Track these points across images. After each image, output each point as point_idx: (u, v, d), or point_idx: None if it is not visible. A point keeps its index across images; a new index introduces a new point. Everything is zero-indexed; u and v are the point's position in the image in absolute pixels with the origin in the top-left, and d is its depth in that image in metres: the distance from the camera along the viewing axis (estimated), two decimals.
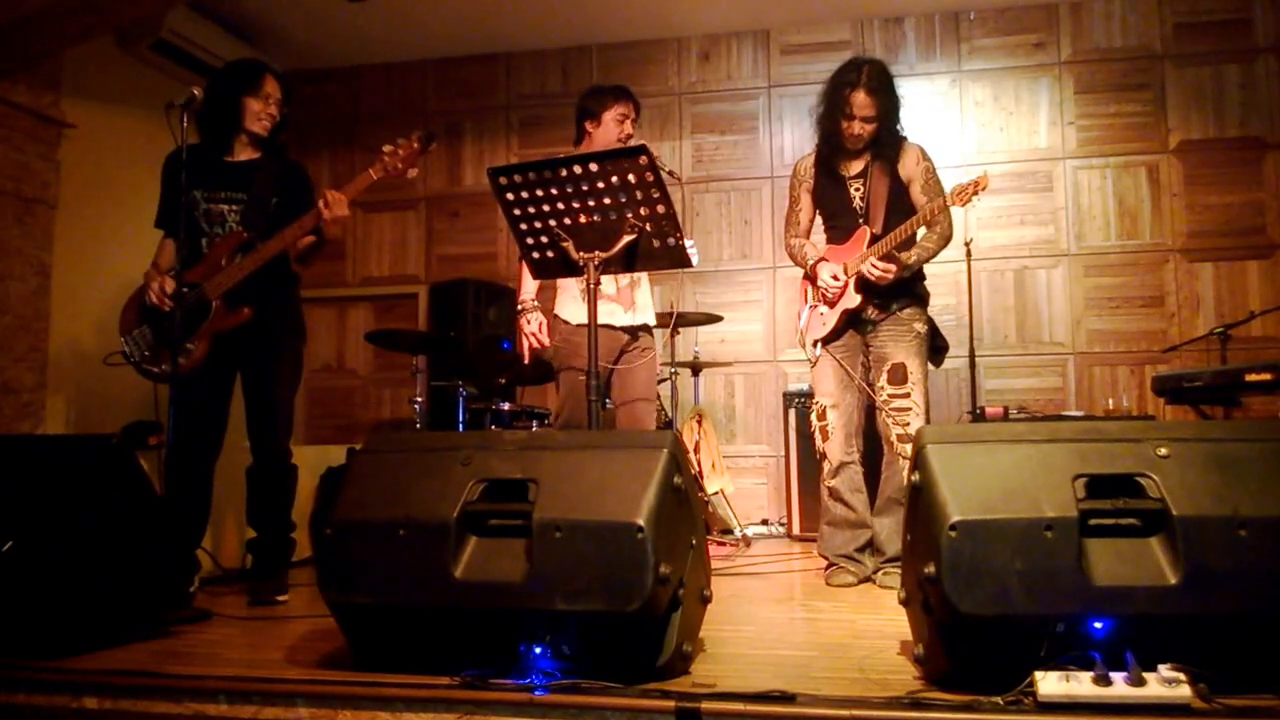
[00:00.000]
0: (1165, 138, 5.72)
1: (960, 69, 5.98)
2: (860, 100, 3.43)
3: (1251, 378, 3.97)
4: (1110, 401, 5.56)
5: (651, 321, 3.75)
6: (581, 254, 2.73)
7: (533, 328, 3.59)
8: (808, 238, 3.78)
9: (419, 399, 4.67)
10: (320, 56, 6.51)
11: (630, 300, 3.66)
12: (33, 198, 4.62)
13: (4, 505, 2.51)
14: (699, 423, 5.08)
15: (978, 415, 5.02)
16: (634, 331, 3.68)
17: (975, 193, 3.22)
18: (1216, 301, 5.57)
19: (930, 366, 3.67)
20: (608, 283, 3.61)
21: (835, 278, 3.57)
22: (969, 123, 5.94)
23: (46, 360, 4.71)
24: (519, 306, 3.65)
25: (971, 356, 5.11)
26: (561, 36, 6.29)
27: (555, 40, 6.34)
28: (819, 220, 3.79)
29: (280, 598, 3.29)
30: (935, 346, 3.67)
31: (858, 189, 3.59)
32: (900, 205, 3.51)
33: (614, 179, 2.65)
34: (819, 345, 3.67)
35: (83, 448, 2.79)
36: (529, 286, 3.61)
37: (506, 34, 6.23)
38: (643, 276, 3.70)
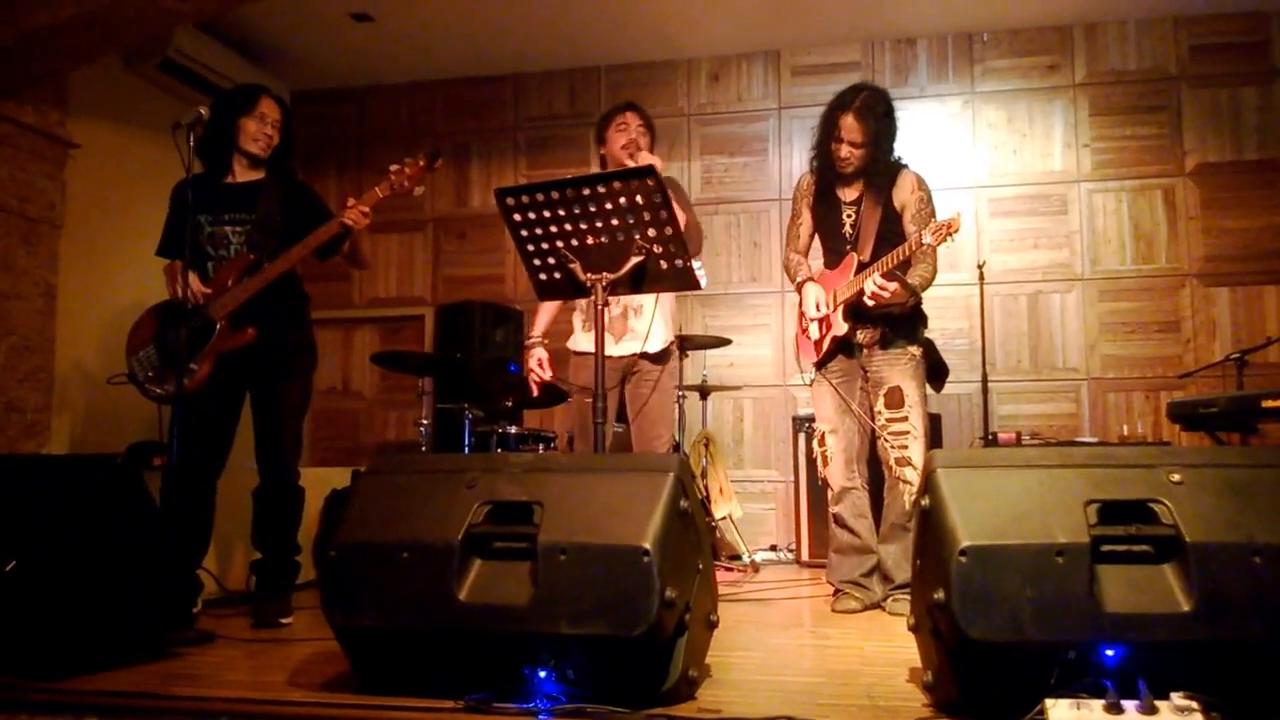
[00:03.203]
0: (1181, 160, 5.69)
1: (973, 91, 5.97)
2: (848, 124, 3.43)
3: (1268, 404, 3.94)
4: (1125, 428, 5.51)
5: (652, 349, 3.64)
6: (589, 275, 2.73)
7: (532, 363, 3.61)
8: (806, 255, 3.77)
9: (424, 421, 4.67)
10: (328, 77, 6.55)
11: (623, 329, 3.62)
12: (38, 218, 4.63)
13: (9, 525, 2.51)
14: (707, 447, 5.05)
15: (990, 441, 4.98)
16: (630, 366, 3.63)
17: (949, 233, 3.17)
18: (1233, 327, 5.52)
19: (932, 391, 3.64)
20: None
21: (818, 305, 3.57)
22: (982, 145, 5.92)
23: (52, 380, 4.71)
24: (526, 343, 3.69)
25: (984, 381, 5.08)
26: (569, 58, 6.31)
27: (563, 62, 6.37)
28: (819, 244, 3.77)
29: (284, 620, 3.28)
30: (935, 372, 3.64)
31: (849, 215, 3.58)
32: (892, 233, 3.47)
33: (621, 200, 2.64)
34: (813, 370, 3.67)
35: (88, 468, 2.80)
36: (540, 323, 3.67)
37: (514, 55, 6.27)
38: (645, 303, 3.63)
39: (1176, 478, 1.91)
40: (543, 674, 2.01)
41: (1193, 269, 5.61)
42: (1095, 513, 1.89)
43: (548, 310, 3.76)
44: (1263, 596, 1.76)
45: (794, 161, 6.09)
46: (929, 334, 3.65)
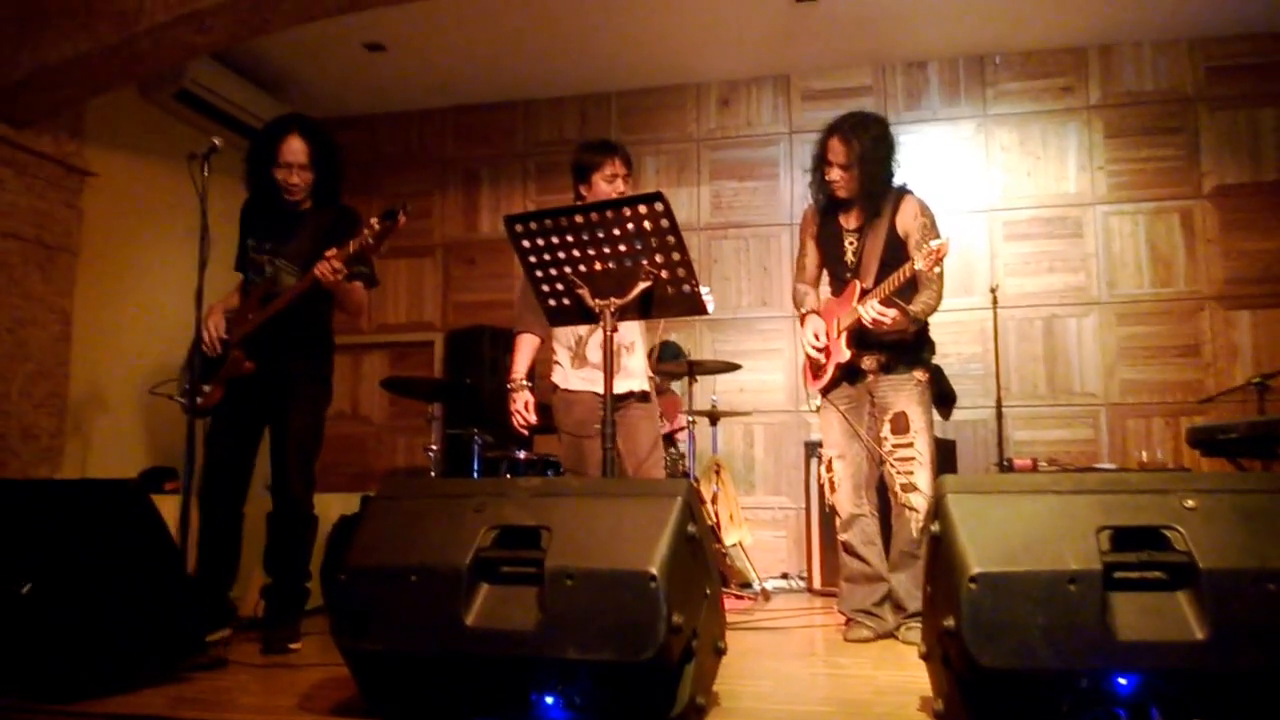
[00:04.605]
0: (1199, 182, 5.65)
1: (985, 113, 5.96)
2: (834, 146, 3.45)
3: None
4: (1144, 454, 5.43)
5: (645, 387, 3.61)
6: (597, 301, 2.73)
7: (518, 406, 3.54)
8: (815, 285, 3.77)
9: (434, 447, 4.67)
10: (340, 105, 6.61)
11: (617, 367, 3.55)
12: (55, 245, 4.67)
13: (22, 548, 2.53)
14: (717, 473, 5.01)
15: (1005, 467, 4.93)
16: (621, 400, 3.55)
17: (939, 258, 3.16)
18: (1254, 350, 5.45)
19: (940, 418, 3.61)
20: (593, 349, 3.51)
21: (816, 335, 3.58)
22: (995, 168, 5.91)
23: (66, 406, 4.72)
24: (509, 385, 3.58)
25: (999, 407, 5.03)
26: (579, 84, 6.35)
27: (573, 87, 6.41)
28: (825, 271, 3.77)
29: (293, 645, 3.28)
30: (942, 399, 3.61)
31: (851, 243, 3.58)
32: (896, 260, 3.42)
33: (629, 226, 2.65)
34: (819, 397, 3.66)
35: (101, 492, 2.82)
36: (520, 365, 3.59)
37: (524, 82, 6.32)
38: (635, 342, 3.61)
39: (1190, 504, 1.88)
40: (550, 699, 2.01)
41: (1212, 292, 5.56)
42: (1108, 539, 1.86)
43: (526, 349, 3.62)
44: (1278, 624, 1.73)
45: (804, 186, 6.05)
46: (938, 360, 3.62)
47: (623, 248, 2.69)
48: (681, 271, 2.70)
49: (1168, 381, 5.55)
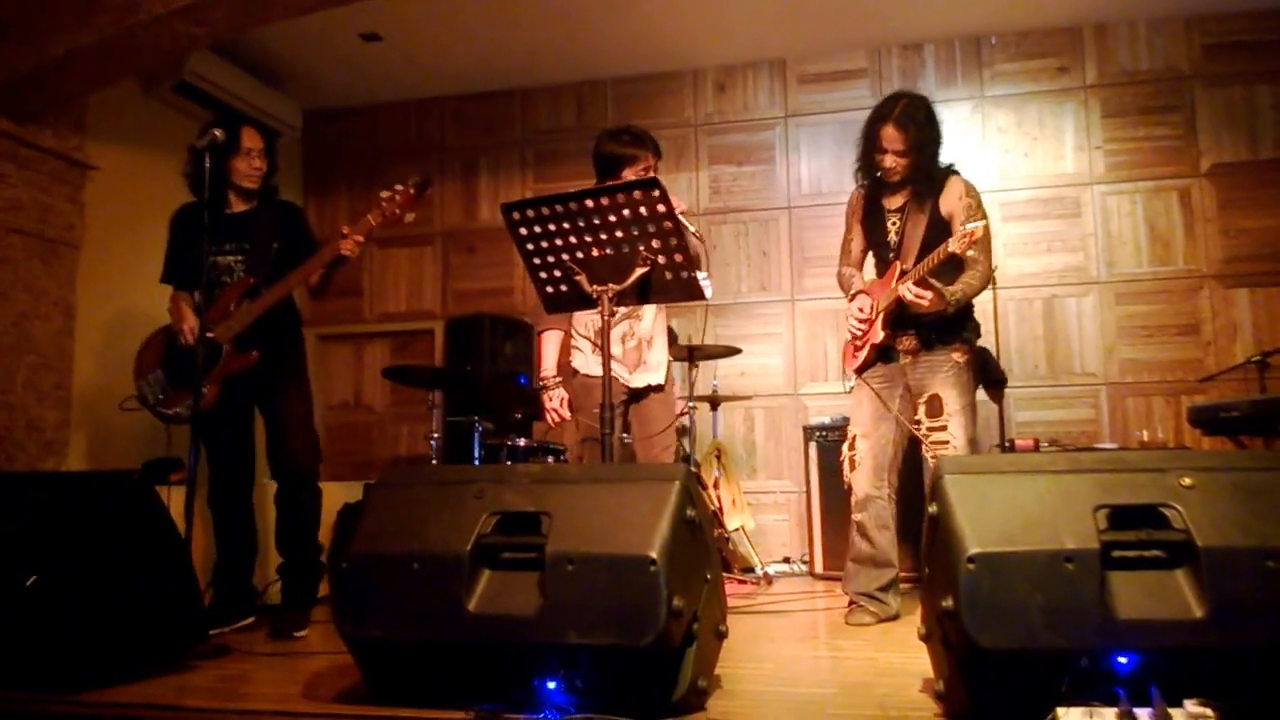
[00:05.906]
0: (1196, 161, 5.62)
1: (982, 94, 5.92)
2: (889, 134, 3.40)
3: None
4: (1145, 433, 5.43)
5: (662, 379, 3.61)
6: (595, 287, 2.73)
7: (554, 404, 3.55)
8: (860, 268, 3.73)
9: (435, 434, 4.69)
10: (339, 95, 6.60)
11: (637, 360, 3.57)
12: (57, 239, 4.67)
13: (28, 540, 2.55)
14: (718, 458, 5.02)
15: (1007, 448, 4.93)
16: (641, 392, 3.58)
17: (970, 243, 3.15)
18: (1254, 328, 5.43)
19: (992, 401, 3.56)
20: (614, 342, 3.46)
21: (861, 310, 3.54)
22: (991, 149, 5.88)
23: (70, 398, 4.73)
24: (540, 383, 3.60)
25: (1000, 387, 5.02)
26: (576, 71, 6.33)
27: (570, 75, 6.38)
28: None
29: (299, 633, 3.31)
30: (990, 380, 3.57)
31: (894, 224, 3.55)
32: (939, 240, 3.34)
33: (626, 212, 2.65)
34: (854, 375, 3.64)
35: (105, 484, 2.84)
36: (549, 362, 3.60)
37: (521, 70, 6.30)
38: (655, 334, 3.61)
39: (1188, 482, 1.89)
40: (552, 684, 2.01)
41: (1211, 270, 5.54)
42: (1105, 518, 1.87)
43: (552, 345, 3.63)
44: (1277, 601, 1.73)
45: (802, 169, 6.08)
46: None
47: (620, 234, 2.69)
48: (679, 257, 2.70)
49: (1168, 360, 5.54)
